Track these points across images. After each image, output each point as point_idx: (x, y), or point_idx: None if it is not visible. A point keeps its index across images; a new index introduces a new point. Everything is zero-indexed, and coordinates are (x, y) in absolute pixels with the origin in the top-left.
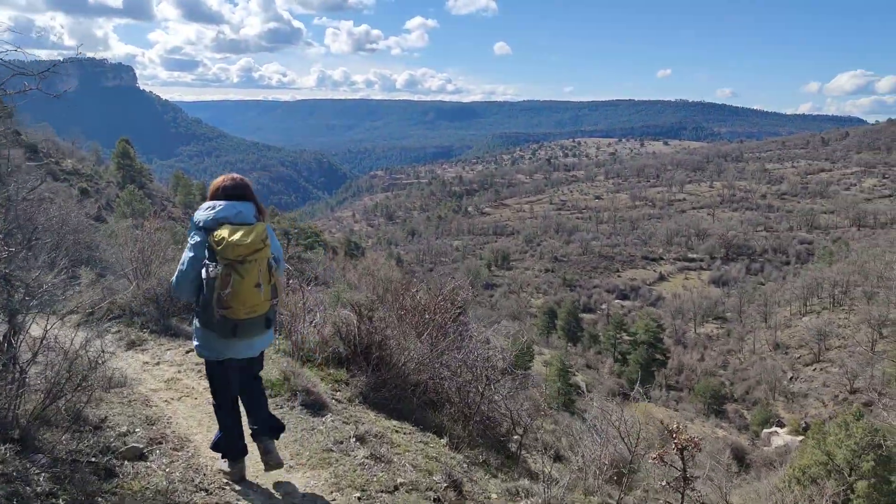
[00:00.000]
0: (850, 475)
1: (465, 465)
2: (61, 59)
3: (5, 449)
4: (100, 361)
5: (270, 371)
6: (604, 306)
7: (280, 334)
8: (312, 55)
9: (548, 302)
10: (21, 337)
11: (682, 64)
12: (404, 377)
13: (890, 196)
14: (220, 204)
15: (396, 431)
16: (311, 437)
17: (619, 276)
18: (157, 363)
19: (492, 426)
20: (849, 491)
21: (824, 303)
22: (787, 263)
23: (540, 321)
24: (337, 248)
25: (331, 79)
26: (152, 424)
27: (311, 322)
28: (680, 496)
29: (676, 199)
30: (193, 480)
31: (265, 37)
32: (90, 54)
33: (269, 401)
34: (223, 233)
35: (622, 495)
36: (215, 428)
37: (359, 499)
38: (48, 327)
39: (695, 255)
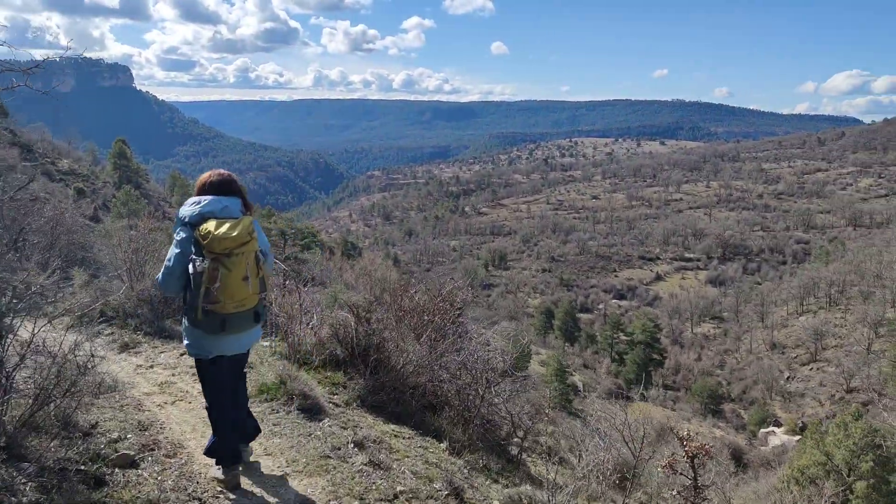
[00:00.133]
0: (848, 476)
1: (465, 471)
2: (57, 59)
3: None
4: (90, 366)
5: (266, 374)
6: (601, 306)
7: (276, 336)
8: (309, 55)
9: (545, 302)
10: (8, 340)
11: (679, 64)
12: (403, 380)
13: (886, 196)
14: (205, 199)
15: (395, 436)
16: (307, 442)
17: (615, 276)
18: (151, 366)
19: (492, 429)
20: (848, 492)
21: (821, 302)
22: (784, 263)
23: (537, 321)
24: (334, 249)
25: (328, 79)
26: (145, 430)
27: (307, 324)
28: None
29: (673, 199)
30: (186, 489)
31: (262, 37)
32: (86, 54)
33: (266, 405)
34: (209, 226)
35: (626, 501)
36: (209, 433)
37: None
38: (36, 330)
39: (691, 255)
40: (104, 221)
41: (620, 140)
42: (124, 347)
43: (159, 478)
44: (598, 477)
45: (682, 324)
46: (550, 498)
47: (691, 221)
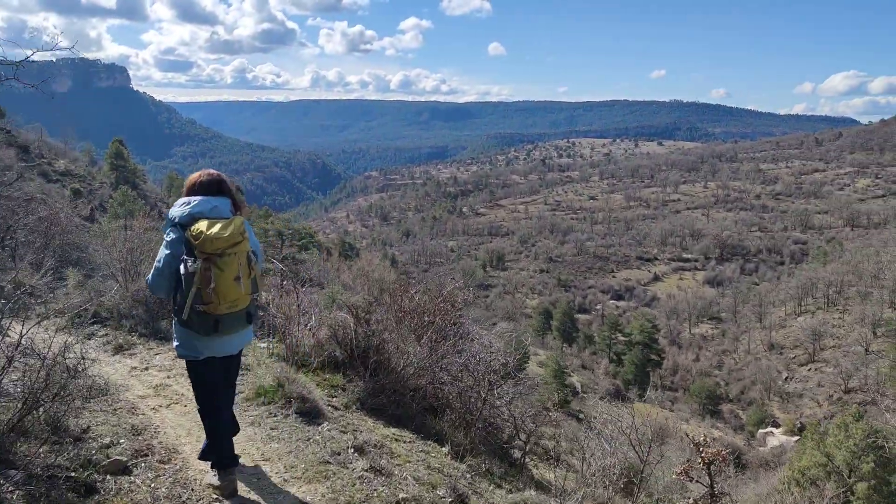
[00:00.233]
0: (849, 477)
1: (468, 476)
2: (53, 59)
3: None
4: (80, 368)
5: (264, 377)
6: (599, 307)
7: (274, 337)
8: (307, 56)
9: (543, 302)
10: None
11: (677, 64)
12: (403, 382)
13: (883, 196)
14: (194, 199)
15: (396, 440)
16: (306, 447)
17: (613, 277)
18: (146, 368)
19: (493, 432)
20: (849, 493)
21: (819, 303)
22: (782, 263)
23: (535, 322)
24: (331, 249)
25: (325, 79)
26: (138, 434)
27: (305, 325)
28: None
29: (671, 200)
30: (181, 497)
31: (259, 37)
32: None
33: (263, 408)
34: (201, 227)
35: None
36: (205, 437)
37: None
38: (24, 332)
39: (689, 256)
40: (101, 222)
41: (618, 140)
42: (118, 349)
43: (153, 485)
44: (604, 482)
45: (680, 324)
46: None
47: (689, 222)
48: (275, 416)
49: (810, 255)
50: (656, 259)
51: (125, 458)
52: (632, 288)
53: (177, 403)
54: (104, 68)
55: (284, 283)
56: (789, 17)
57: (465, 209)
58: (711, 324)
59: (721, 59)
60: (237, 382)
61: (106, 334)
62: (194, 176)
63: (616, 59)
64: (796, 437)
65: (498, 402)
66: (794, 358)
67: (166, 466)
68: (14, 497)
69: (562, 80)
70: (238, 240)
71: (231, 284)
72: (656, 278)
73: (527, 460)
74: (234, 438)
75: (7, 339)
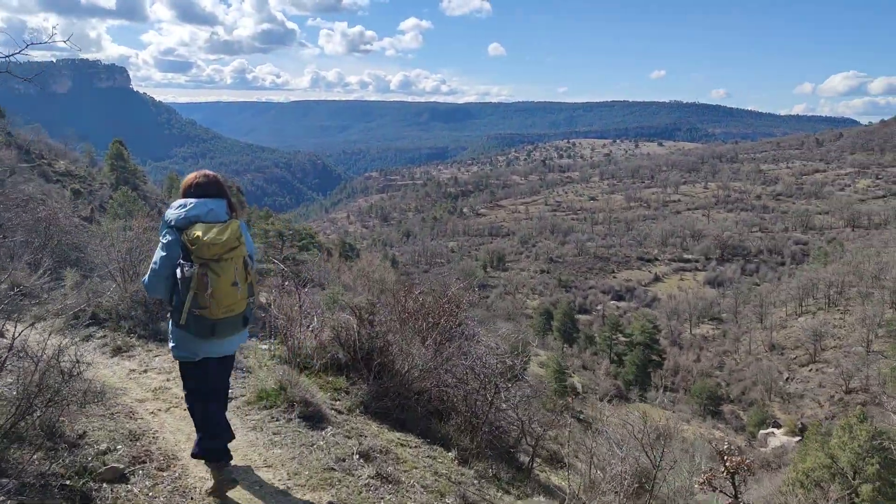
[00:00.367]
0: (854, 479)
1: (476, 482)
2: (54, 60)
3: None
4: (75, 372)
5: (266, 380)
6: (599, 307)
7: (275, 339)
8: (306, 56)
9: (543, 303)
10: None
11: (677, 65)
12: (408, 385)
13: (884, 197)
14: (191, 202)
15: (402, 445)
16: (310, 453)
17: (614, 277)
18: (145, 371)
19: (499, 436)
20: (853, 495)
21: (819, 303)
22: (783, 264)
23: (535, 322)
24: (332, 250)
25: (325, 80)
26: (136, 440)
27: (308, 326)
28: None
29: (671, 200)
30: None
31: (259, 38)
32: (83, 55)
33: (265, 412)
34: (197, 232)
35: None
36: None
37: None
38: (17, 334)
39: (690, 256)
40: (101, 223)
41: (618, 141)
42: (117, 351)
43: (150, 493)
44: (615, 488)
45: (681, 325)
46: None
47: (689, 222)
48: (277, 420)
49: (811, 255)
50: (657, 260)
51: (122, 466)
52: (632, 288)
53: (176, 407)
54: (104, 69)
55: (286, 283)
56: (789, 18)
57: (465, 210)
58: (712, 324)
59: (721, 60)
60: (237, 385)
61: (104, 336)
62: (190, 177)
63: (616, 59)
64: (797, 438)
65: (504, 406)
66: (795, 358)
67: (165, 474)
68: None
69: (562, 80)
70: (235, 245)
71: (228, 290)
72: (657, 279)
73: (533, 465)
74: (236, 443)
75: (1, 340)
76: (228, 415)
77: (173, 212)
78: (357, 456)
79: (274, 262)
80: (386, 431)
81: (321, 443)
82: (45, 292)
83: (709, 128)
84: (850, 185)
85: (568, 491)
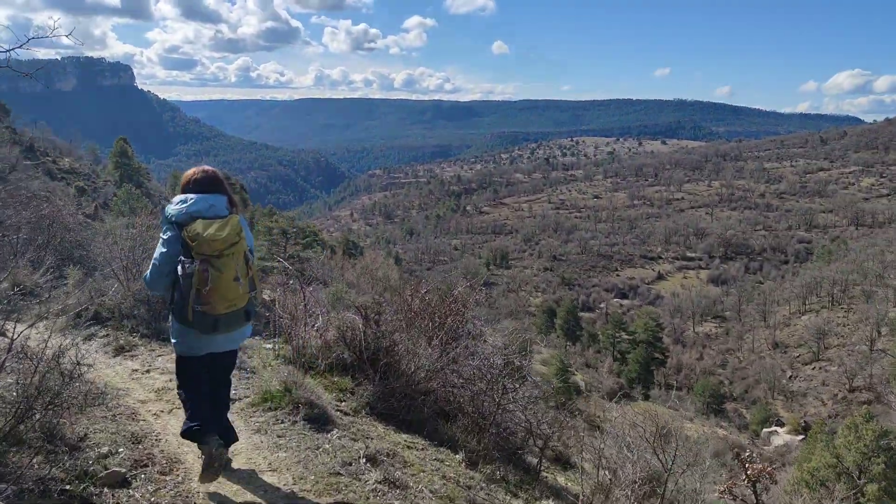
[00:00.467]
0: (860, 478)
1: (484, 485)
2: (59, 58)
3: None
4: (75, 374)
5: (270, 381)
6: (602, 305)
7: (279, 338)
8: (310, 54)
9: (547, 301)
10: None
11: (681, 63)
12: (414, 386)
13: (888, 195)
14: (191, 197)
15: (408, 447)
16: (315, 457)
17: (617, 275)
18: (148, 371)
19: (506, 437)
20: (859, 494)
21: (823, 301)
22: (786, 262)
23: (539, 320)
24: (335, 248)
25: (329, 78)
26: (138, 443)
27: (312, 326)
28: None
29: (675, 199)
30: None
31: (263, 36)
32: (88, 53)
33: (269, 414)
34: (197, 228)
35: None
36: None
37: None
38: (16, 334)
39: (693, 254)
40: (105, 220)
41: (622, 139)
42: (119, 350)
43: (152, 499)
44: (627, 493)
45: (684, 323)
46: None
47: (693, 221)
48: (282, 422)
49: (815, 253)
50: (660, 258)
51: (124, 470)
52: (636, 286)
53: (179, 408)
54: (109, 67)
55: (290, 281)
56: (794, 16)
57: (468, 208)
58: (715, 322)
59: (725, 58)
60: (240, 386)
61: (107, 335)
62: (189, 172)
63: (620, 57)
64: (801, 436)
65: (512, 407)
66: (798, 357)
67: (167, 478)
68: None
69: (565, 78)
70: (235, 240)
71: (231, 285)
72: (660, 277)
73: (541, 467)
74: (240, 446)
75: (2, 340)
76: (232, 417)
77: (174, 207)
78: (364, 460)
79: (278, 261)
80: (392, 433)
81: (327, 446)
82: (47, 291)
83: (713, 126)
84: (854, 184)
85: (581, 498)
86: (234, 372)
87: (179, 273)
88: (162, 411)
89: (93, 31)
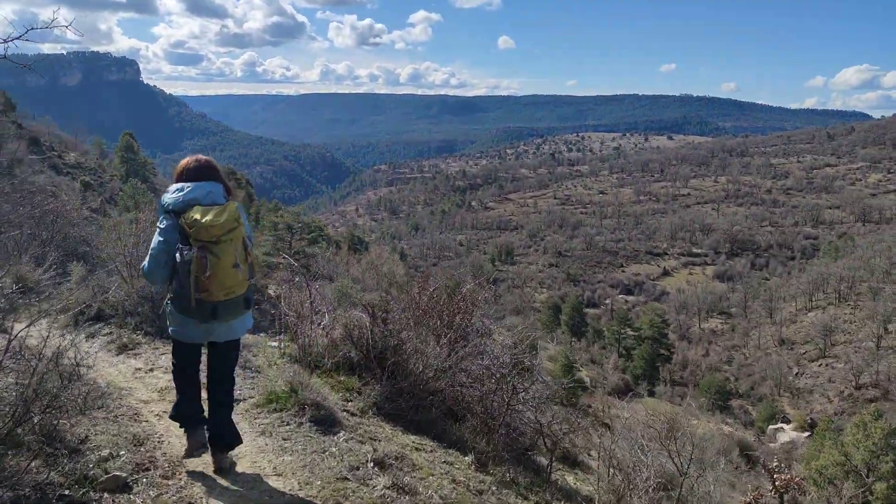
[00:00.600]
0: (868, 476)
1: (494, 489)
2: (64, 52)
3: None
4: (75, 375)
5: (276, 381)
6: (608, 301)
7: (285, 336)
8: (316, 49)
9: (552, 297)
10: None
11: (687, 58)
12: (422, 385)
13: (895, 191)
14: (188, 185)
15: (417, 449)
16: (322, 461)
17: (623, 271)
18: (151, 369)
19: (516, 437)
20: (867, 493)
21: (830, 298)
22: (793, 259)
23: (544, 316)
24: (340, 243)
25: (334, 73)
26: (140, 445)
27: (319, 324)
28: None
29: (681, 194)
30: None
31: (269, 31)
32: (94, 48)
33: (275, 416)
34: (195, 215)
35: None
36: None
37: None
38: (14, 333)
39: (699, 250)
40: (111, 215)
41: (628, 135)
42: (122, 348)
43: None
44: (639, 496)
45: (690, 319)
46: None
47: (699, 216)
48: (287, 424)
49: (821, 250)
50: (666, 254)
51: (125, 474)
52: (641, 282)
53: None
54: (114, 62)
55: (296, 278)
56: (801, 10)
57: (474, 203)
58: (721, 319)
59: (732, 53)
60: (245, 386)
61: (110, 332)
62: (183, 162)
63: (626, 52)
64: (807, 434)
65: (521, 407)
66: (804, 353)
67: (169, 483)
68: None
69: (571, 73)
70: (233, 226)
71: (229, 271)
72: (666, 273)
73: (551, 468)
74: (245, 449)
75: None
76: (236, 418)
77: (170, 196)
78: (371, 464)
79: (284, 257)
80: (400, 434)
81: (334, 449)
82: (49, 287)
83: (719, 121)
84: (861, 180)
85: (597, 502)
86: (238, 371)
87: (178, 260)
88: (165, 412)
89: (98, 25)
